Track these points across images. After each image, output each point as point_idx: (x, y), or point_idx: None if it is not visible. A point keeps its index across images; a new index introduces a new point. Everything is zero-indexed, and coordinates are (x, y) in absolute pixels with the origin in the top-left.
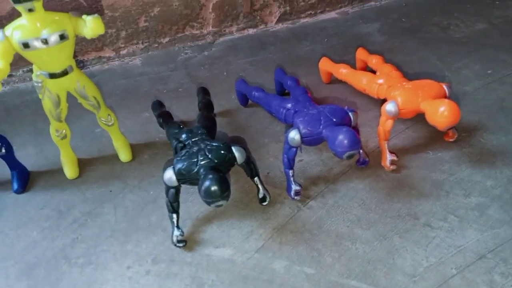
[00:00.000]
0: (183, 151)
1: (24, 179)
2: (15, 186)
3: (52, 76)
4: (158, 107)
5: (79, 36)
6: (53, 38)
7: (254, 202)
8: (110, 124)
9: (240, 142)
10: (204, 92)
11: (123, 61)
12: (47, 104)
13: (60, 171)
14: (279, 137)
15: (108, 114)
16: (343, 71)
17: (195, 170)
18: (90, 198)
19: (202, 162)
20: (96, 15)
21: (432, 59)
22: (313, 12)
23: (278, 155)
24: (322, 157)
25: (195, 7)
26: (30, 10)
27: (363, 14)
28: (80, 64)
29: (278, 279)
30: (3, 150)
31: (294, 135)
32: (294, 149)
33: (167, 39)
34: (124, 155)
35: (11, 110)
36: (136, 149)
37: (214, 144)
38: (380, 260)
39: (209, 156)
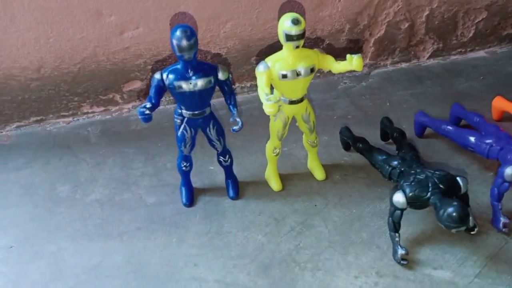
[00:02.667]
0: (410, 177)
1: (237, 188)
2: (231, 193)
3: (291, 102)
4: (349, 133)
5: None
6: (305, 71)
7: (461, 232)
8: (314, 145)
9: (459, 172)
10: (390, 122)
11: None
12: (277, 125)
13: (263, 182)
14: (464, 169)
15: (316, 137)
16: None
17: (427, 196)
18: (298, 209)
19: (434, 190)
20: (360, 54)
21: None
22: (463, 50)
23: (469, 188)
24: None
25: (359, 42)
26: (297, 47)
27: None
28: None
29: None
30: (228, 162)
31: (511, 171)
32: (507, 184)
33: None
34: (320, 174)
35: None
36: (325, 170)
37: (440, 173)
38: None
39: (439, 184)
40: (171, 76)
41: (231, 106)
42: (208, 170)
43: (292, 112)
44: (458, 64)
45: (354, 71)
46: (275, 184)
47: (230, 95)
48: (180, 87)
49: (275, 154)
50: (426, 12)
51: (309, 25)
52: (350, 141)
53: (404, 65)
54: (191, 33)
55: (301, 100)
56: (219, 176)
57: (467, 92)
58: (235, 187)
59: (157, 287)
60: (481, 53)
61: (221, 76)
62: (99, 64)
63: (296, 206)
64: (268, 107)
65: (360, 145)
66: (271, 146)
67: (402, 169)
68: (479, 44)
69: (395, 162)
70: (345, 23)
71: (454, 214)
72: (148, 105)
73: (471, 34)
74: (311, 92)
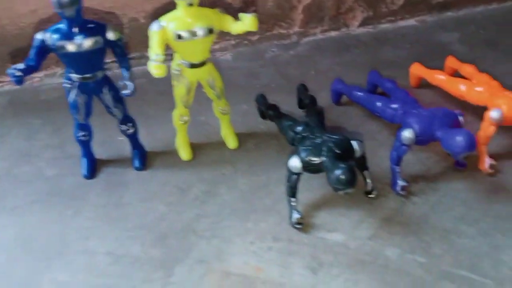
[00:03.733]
0: (307, 142)
1: (144, 158)
2: (137, 163)
3: (192, 66)
4: (263, 100)
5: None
6: (203, 31)
7: (360, 194)
8: (225, 113)
9: (358, 136)
10: (305, 89)
11: (214, 55)
12: (180, 91)
13: (173, 152)
14: (374, 135)
15: (226, 104)
16: (439, 77)
17: (320, 160)
18: (206, 178)
19: (327, 153)
20: (253, 14)
21: None
22: (393, 18)
23: (375, 152)
24: (420, 157)
25: (286, 8)
26: (190, 5)
27: (441, 23)
28: None
29: (392, 264)
30: (132, 130)
31: (408, 134)
32: (405, 147)
33: (256, 37)
34: (232, 142)
35: None
36: (240, 138)
37: (336, 137)
38: (486, 255)
39: (333, 148)
40: (54, 36)
41: (123, 69)
42: (116, 141)
43: (195, 77)
44: (388, 32)
45: (282, 38)
46: (184, 153)
47: (122, 57)
48: (64, 47)
49: (182, 122)
50: None
51: None
52: (263, 108)
53: (334, 33)
54: None
55: (203, 64)
56: (128, 147)
57: (392, 60)
58: (142, 157)
59: (44, 262)
60: (412, 22)
61: (111, 36)
62: (4, 28)
63: (204, 175)
64: (153, 68)
65: (271, 112)
66: (177, 114)
67: (305, 134)
68: (409, 12)
69: (299, 128)
70: None
71: (340, 176)
72: (21, 66)
73: (401, 2)
74: (238, 61)
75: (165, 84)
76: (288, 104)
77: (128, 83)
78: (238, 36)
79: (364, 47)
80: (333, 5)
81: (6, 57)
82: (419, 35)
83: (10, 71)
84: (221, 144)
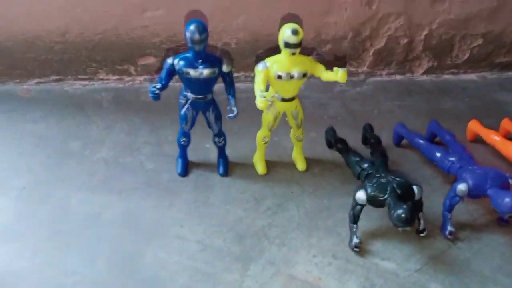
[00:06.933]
0: (374, 179)
1: (227, 166)
2: (221, 170)
3: (283, 100)
4: (333, 133)
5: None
6: (298, 75)
7: (412, 232)
8: (299, 140)
9: (417, 182)
10: (371, 129)
11: None
12: (269, 118)
13: (250, 165)
14: (429, 180)
15: (302, 133)
16: (494, 138)
17: (384, 197)
18: (277, 193)
19: (391, 193)
20: (345, 68)
21: None
22: (456, 71)
23: (428, 196)
24: (469, 208)
25: (359, 49)
26: (293, 54)
27: (501, 82)
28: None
29: None
30: (222, 143)
31: (463, 187)
32: (458, 198)
33: None
34: (302, 165)
35: None
36: (307, 162)
37: (399, 179)
38: None
39: (396, 188)
40: (181, 63)
41: (230, 96)
42: (204, 148)
43: (283, 108)
44: (449, 83)
45: (351, 75)
46: (260, 168)
47: (230, 86)
48: (188, 73)
49: (264, 142)
50: (426, 32)
51: (315, 29)
52: (332, 140)
53: (398, 77)
54: (203, 29)
55: (292, 99)
56: (213, 154)
57: (450, 111)
58: (225, 166)
59: (146, 240)
60: (472, 76)
61: (225, 68)
62: (119, 37)
63: (276, 190)
64: (259, 102)
65: (340, 145)
66: (262, 135)
67: (370, 171)
68: (472, 67)
69: (365, 165)
70: (349, 31)
71: (402, 215)
72: (159, 85)
73: (465, 57)
74: (309, 91)
75: (246, 103)
76: (352, 138)
77: (234, 109)
78: None
79: (425, 94)
80: (403, 52)
81: (116, 60)
82: (478, 90)
83: (151, 89)
84: (291, 164)
